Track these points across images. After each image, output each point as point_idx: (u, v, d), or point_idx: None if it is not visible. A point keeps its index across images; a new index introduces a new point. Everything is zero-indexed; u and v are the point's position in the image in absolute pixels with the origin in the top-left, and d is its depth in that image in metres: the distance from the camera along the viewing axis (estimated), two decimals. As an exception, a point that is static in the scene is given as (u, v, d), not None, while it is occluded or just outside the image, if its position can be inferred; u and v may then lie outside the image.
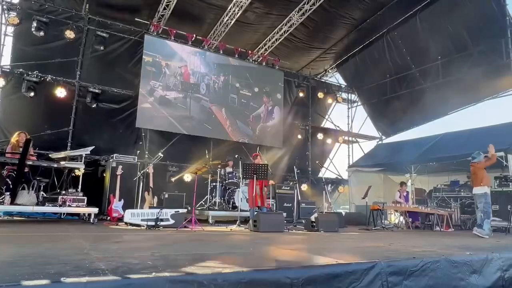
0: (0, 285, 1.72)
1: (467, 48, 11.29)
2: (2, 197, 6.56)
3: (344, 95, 15.89)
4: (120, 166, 8.20)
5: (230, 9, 10.78)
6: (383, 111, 14.72)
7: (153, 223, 6.19)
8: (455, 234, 7.81)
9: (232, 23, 11.20)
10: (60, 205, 6.75)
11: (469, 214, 9.95)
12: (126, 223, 6.60)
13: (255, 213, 7.16)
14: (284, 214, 7.76)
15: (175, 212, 6.55)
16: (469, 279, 3.29)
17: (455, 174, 11.40)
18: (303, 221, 8.67)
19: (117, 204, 7.72)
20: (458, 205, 10.20)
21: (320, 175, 14.25)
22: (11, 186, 6.51)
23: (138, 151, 9.57)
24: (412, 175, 11.70)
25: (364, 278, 2.71)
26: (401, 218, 10.18)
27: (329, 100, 14.82)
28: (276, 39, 12.43)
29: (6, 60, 9.52)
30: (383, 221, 9.84)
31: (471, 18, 10.76)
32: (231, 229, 6.83)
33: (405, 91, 13.22)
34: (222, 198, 9.21)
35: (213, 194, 9.24)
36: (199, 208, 8.89)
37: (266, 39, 12.61)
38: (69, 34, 9.52)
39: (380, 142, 15.55)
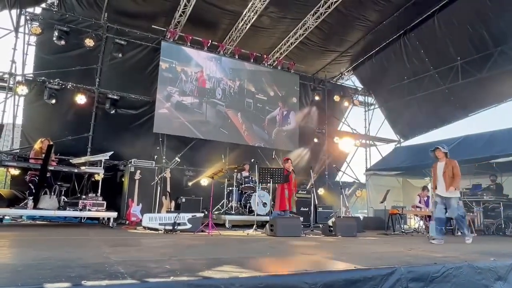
0: (23, 287, 1.77)
1: (488, 48, 11.02)
2: (25, 201, 6.75)
3: (361, 98, 15.72)
4: (139, 171, 8.32)
5: (245, 14, 10.85)
6: (401, 113, 14.49)
7: (170, 227, 6.24)
8: (478, 239, 7.57)
9: (247, 28, 11.25)
10: (81, 210, 6.90)
11: (493, 218, 9.65)
12: (144, 227, 6.67)
13: (271, 217, 7.14)
14: (301, 219, 7.71)
15: (192, 216, 6.59)
16: (494, 285, 3.19)
17: (477, 178, 11.09)
18: (320, 225, 8.59)
19: (135, 209, 7.83)
20: (480, 209, 9.91)
21: (337, 179, 14.11)
22: (33, 191, 6.70)
23: (156, 156, 9.71)
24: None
25: (383, 284, 2.66)
26: (421, 223, 9.95)
27: (346, 103, 14.68)
28: (291, 43, 12.42)
29: (29, 69, 9.87)
30: (402, 225, 9.64)
31: (491, 17, 10.50)
32: (247, 234, 6.82)
33: (423, 93, 12.97)
34: (239, 203, 9.22)
35: (230, 199, 9.26)
36: (216, 212, 8.92)
37: (281, 43, 12.61)
38: (89, 42, 9.77)
39: (398, 145, 15.31)
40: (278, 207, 7.67)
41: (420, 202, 9.71)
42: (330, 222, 7.30)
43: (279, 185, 7.79)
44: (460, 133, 11.68)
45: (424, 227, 9.64)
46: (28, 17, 9.84)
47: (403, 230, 9.09)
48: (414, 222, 11.20)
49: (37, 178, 6.76)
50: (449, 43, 11.72)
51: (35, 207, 6.57)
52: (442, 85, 12.51)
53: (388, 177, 12.90)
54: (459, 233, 8.68)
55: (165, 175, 8.35)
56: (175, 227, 6.27)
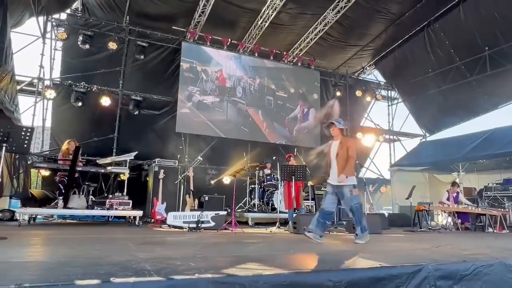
0: (56, 283, 1.84)
1: (518, 36, 10.55)
2: (55, 201, 7.01)
3: (384, 92, 15.40)
4: (162, 170, 8.45)
5: (264, 11, 10.82)
6: (426, 107, 14.09)
7: (194, 225, 6.33)
8: (510, 236, 7.29)
9: (266, 25, 11.23)
10: (108, 209, 7.09)
11: (526, 214, 9.28)
12: (169, 225, 6.80)
13: (295, 215, 7.11)
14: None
15: (216, 214, 6.66)
16: (527, 284, 3.06)
17: (508, 172, 10.69)
18: (344, 222, 8.49)
19: (160, 207, 7.98)
20: (512, 205, 9.54)
21: (361, 175, 13.84)
22: (63, 191, 6.94)
23: (179, 155, 9.83)
24: (460, 173, 11.10)
25: (410, 282, 2.60)
26: (449, 219, 9.67)
27: (368, 98, 14.41)
28: (311, 39, 12.30)
29: (56, 73, 10.21)
30: (429, 222, 9.39)
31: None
32: (270, 231, 6.83)
33: (449, 85, 12.55)
34: (261, 200, 9.23)
35: (252, 196, 9.29)
36: (238, 210, 8.97)
37: (301, 39, 12.51)
38: (112, 45, 10.02)
39: (423, 139, 14.92)
40: (287, 207, 7.61)
41: (448, 198, 9.41)
42: (354, 219, 7.20)
43: (285, 183, 7.73)
44: (489, 126, 11.27)
45: (452, 223, 9.37)
46: (54, 23, 10.18)
47: (430, 227, 8.87)
48: (442, 219, 10.90)
49: (66, 178, 6.99)
50: (475, 32, 11.28)
51: (65, 207, 6.81)
52: (469, 77, 12.07)
53: (413, 173, 12.59)
54: (490, 230, 8.39)
55: (188, 174, 8.47)
56: (199, 225, 6.35)
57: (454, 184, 9.74)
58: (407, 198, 9.35)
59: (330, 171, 5.08)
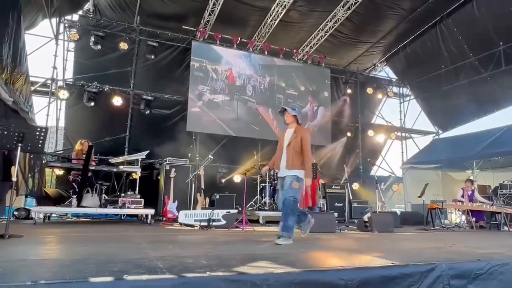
0: (70, 280, 1.87)
1: (534, 30, 10.30)
2: (69, 200, 7.13)
3: (395, 89, 15.24)
4: (173, 169, 8.53)
5: (273, 9, 10.79)
6: (439, 104, 13.89)
7: (205, 224, 6.36)
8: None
9: (275, 23, 11.20)
10: (120, 207, 7.18)
11: (543, 212, 9.05)
12: (180, 224, 6.85)
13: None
14: (336, 214, 7.60)
15: (226, 212, 6.68)
16: (544, 283, 2.99)
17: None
18: (356, 221, 8.44)
19: (171, 205, 8.04)
20: (528, 203, 9.32)
21: (372, 173, 13.77)
22: (77, 190, 7.05)
23: (190, 154, 9.90)
24: (474, 171, 10.90)
25: (423, 281, 2.57)
26: (463, 217, 9.51)
27: (379, 95, 14.27)
28: (321, 36, 12.22)
29: (69, 74, 10.38)
30: (442, 220, 9.26)
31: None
32: (281, 229, 6.81)
33: (463, 81, 12.34)
34: (272, 199, 9.23)
35: (263, 195, 9.30)
36: (249, 209, 8.98)
37: (311, 37, 12.44)
38: (123, 45, 10.13)
39: (436, 137, 14.71)
40: (301, 205, 7.58)
41: (463, 195, 9.24)
42: (365, 218, 7.16)
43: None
44: (504, 122, 11.05)
45: (466, 222, 9.22)
46: (66, 25, 10.34)
47: (443, 225, 8.74)
48: (456, 217, 10.73)
49: (80, 177, 7.10)
50: (490, 27, 11.04)
51: (78, 205, 6.91)
52: (483, 73, 11.84)
53: (426, 170, 12.43)
54: (505, 228, 8.23)
55: (199, 172, 8.51)
56: (210, 223, 6.39)
57: (467, 181, 9.57)
58: (419, 196, 9.23)
59: (280, 162, 4.60)
